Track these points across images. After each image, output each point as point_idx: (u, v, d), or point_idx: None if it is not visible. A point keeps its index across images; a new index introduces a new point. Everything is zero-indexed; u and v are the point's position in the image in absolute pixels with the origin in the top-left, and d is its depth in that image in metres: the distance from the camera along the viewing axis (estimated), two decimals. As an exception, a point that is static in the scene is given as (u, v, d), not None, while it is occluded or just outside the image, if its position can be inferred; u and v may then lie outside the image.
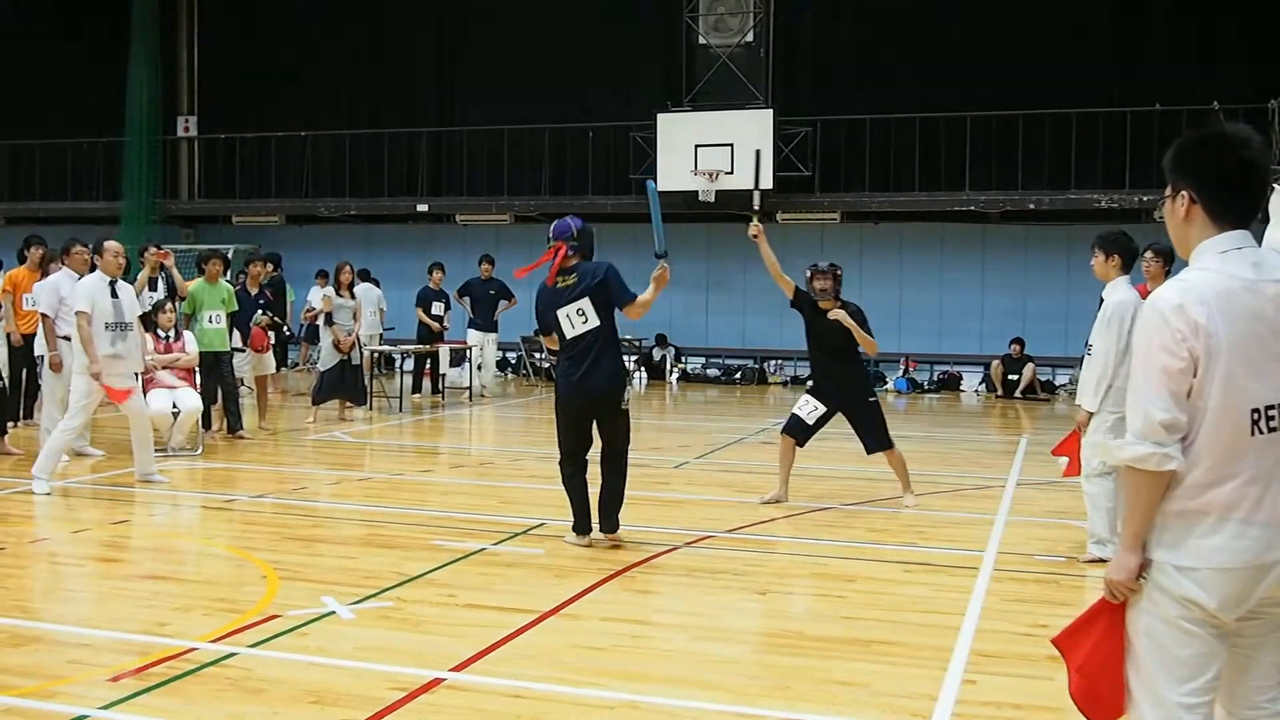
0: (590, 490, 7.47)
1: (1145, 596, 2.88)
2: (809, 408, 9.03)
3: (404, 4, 23.55)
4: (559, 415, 7.41)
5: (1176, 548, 2.82)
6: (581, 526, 7.45)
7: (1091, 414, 6.94)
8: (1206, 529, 2.79)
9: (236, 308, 12.47)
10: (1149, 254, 7.81)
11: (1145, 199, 18.54)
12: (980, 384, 20.38)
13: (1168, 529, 2.84)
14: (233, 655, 5.09)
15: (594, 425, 7.37)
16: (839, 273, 9.01)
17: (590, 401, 7.23)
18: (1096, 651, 3.02)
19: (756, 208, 8.97)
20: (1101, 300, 7.14)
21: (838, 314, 8.72)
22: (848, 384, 9.01)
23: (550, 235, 7.35)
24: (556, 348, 7.47)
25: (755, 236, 8.73)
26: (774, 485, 9.23)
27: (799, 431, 9.05)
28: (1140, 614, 2.90)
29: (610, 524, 7.43)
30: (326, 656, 5.09)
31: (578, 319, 7.16)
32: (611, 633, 5.55)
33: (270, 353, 13.32)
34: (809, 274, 9.03)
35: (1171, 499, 2.82)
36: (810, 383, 9.45)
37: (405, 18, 23.54)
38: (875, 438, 8.99)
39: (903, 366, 20.84)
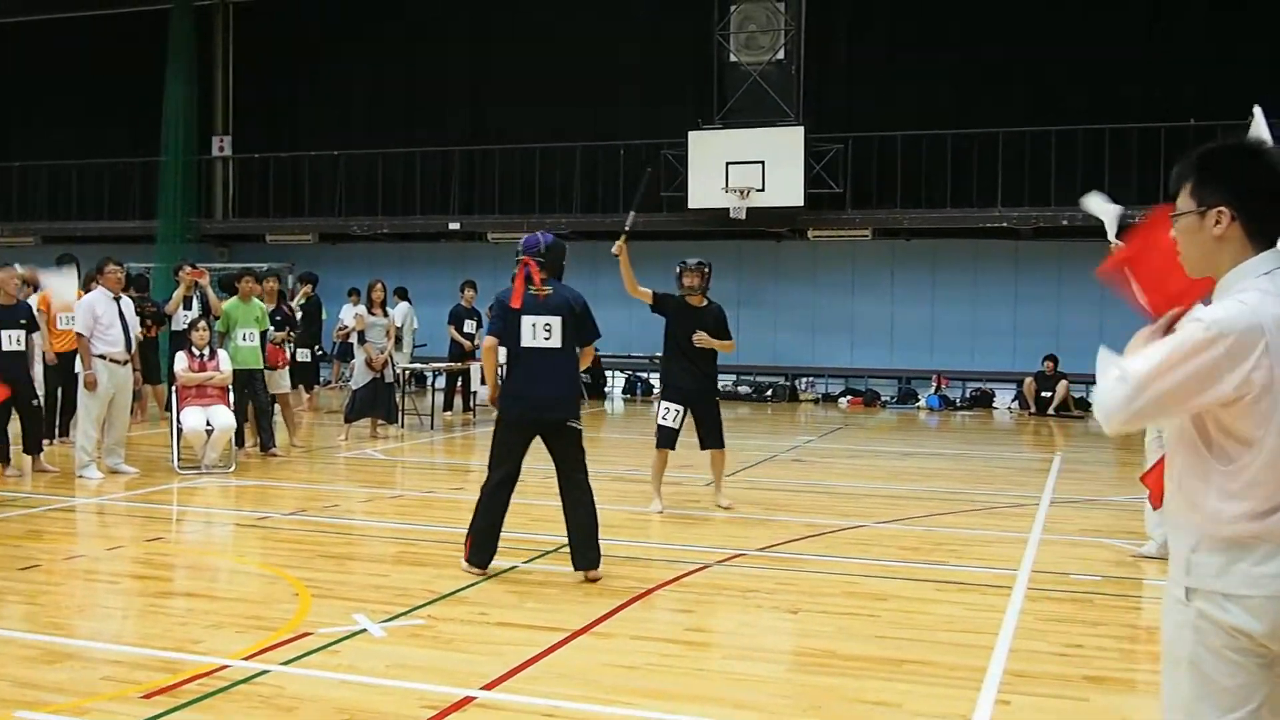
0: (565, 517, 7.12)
1: (1189, 626, 2.79)
2: (671, 414, 9.15)
3: (437, 24, 23.70)
4: (499, 433, 7.08)
5: (1226, 575, 2.72)
6: (481, 558, 7.01)
7: None
8: (1261, 556, 2.69)
9: (270, 326, 12.55)
10: None
11: (1180, 215, 18.40)
12: (1013, 401, 20.26)
13: (1217, 555, 2.72)
14: (265, 673, 5.10)
15: (541, 447, 7.07)
16: (707, 270, 9.22)
17: (539, 420, 6.96)
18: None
19: (628, 229, 8.93)
20: None
21: (701, 339, 9.05)
22: (705, 381, 9.26)
23: (519, 250, 7.18)
24: (488, 359, 7.28)
25: (616, 253, 8.88)
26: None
27: (672, 440, 9.22)
28: (1184, 644, 2.81)
29: (587, 558, 6.94)
30: (358, 674, 5.09)
31: (543, 332, 6.97)
32: (643, 651, 5.53)
33: (285, 370, 13.25)
34: (678, 270, 9.22)
35: (1222, 525, 2.72)
36: (662, 387, 9.68)
37: (438, 38, 23.69)
38: (715, 435, 9.27)
39: (935, 383, 20.75)
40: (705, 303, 9.27)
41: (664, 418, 9.15)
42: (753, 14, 20.57)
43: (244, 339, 12.06)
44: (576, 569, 6.93)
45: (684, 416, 9.17)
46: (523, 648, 5.51)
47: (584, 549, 6.95)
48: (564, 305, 7.02)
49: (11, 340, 10.67)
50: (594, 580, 6.87)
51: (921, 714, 4.71)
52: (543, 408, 6.95)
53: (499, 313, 7.08)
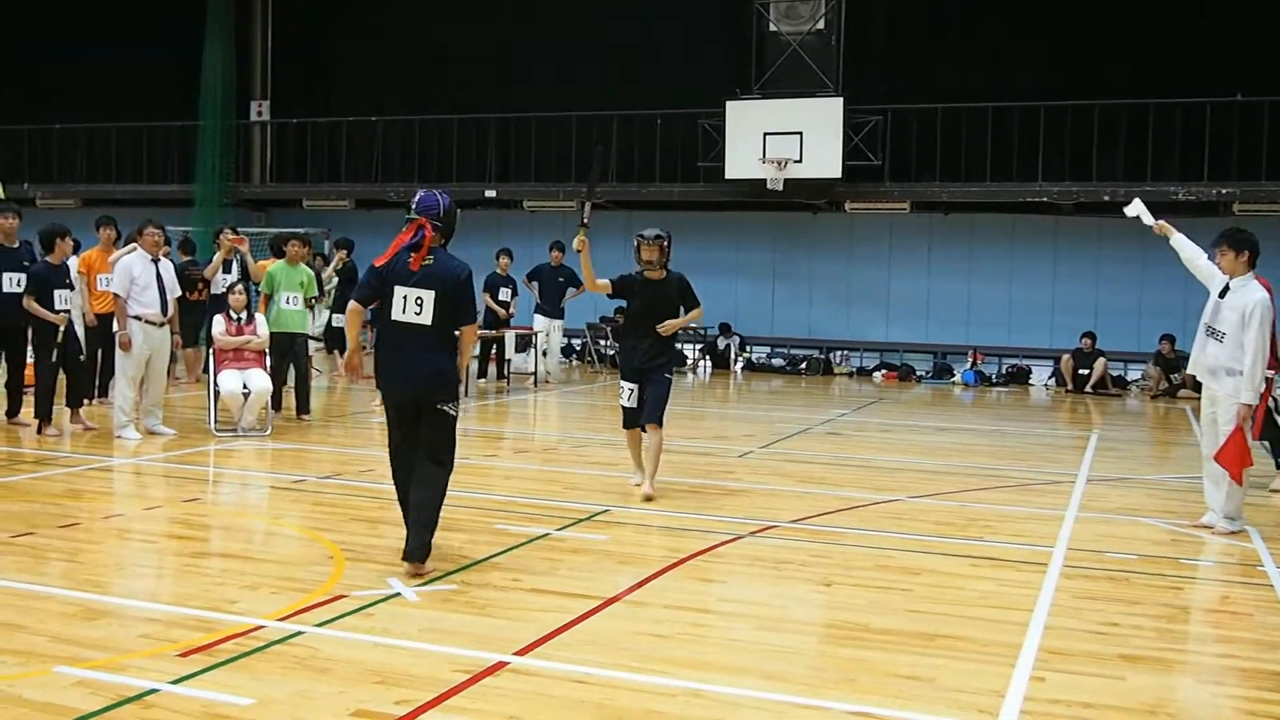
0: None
1: None
2: (627, 393, 8.71)
3: (474, -10, 23.64)
4: (385, 408, 6.60)
5: None
6: (410, 550, 6.29)
7: (1251, 406, 7.65)
8: None
9: (316, 292, 12.58)
10: (1223, 245, 7.92)
11: (1224, 191, 18.17)
12: (1050, 378, 20.10)
13: None
14: (300, 634, 5.13)
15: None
16: (665, 242, 8.63)
17: (411, 396, 6.31)
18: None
19: (585, 221, 8.65)
20: (1224, 292, 7.86)
21: (667, 326, 8.57)
22: (660, 357, 8.67)
23: (412, 208, 6.43)
24: (350, 323, 6.59)
25: (578, 249, 8.56)
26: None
27: (634, 419, 8.74)
28: None
29: (415, 547, 6.19)
30: (391, 637, 5.12)
31: (413, 306, 6.25)
32: (675, 620, 5.53)
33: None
34: (635, 243, 8.68)
35: None
36: (620, 367, 9.09)
37: (476, 5, 23.61)
38: (654, 410, 8.60)
39: (971, 359, 20.61)
40: (664, 275, 8.70)
41: (622, 397, 8.76)
42: (793, -17, 20.38)
43: (287, 302, 12.13)
44: (404, 558, 6.23)
45: (641, 394, 8.68)
46: (555, 614, 5.52)
47: (412, 535, 6.23)
48: (443, 279, 6.28)
49: (12, 283, 10.88)
50: (417, 576, 6.12)
51: (955, 689, 4.69)
52: (408, 386, 6.32)
53: (371, 276, 6.41)
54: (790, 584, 6.38)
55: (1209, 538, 7.83)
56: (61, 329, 10.97)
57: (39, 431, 10.89)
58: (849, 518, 8.21)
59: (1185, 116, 18.63)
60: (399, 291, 6.28)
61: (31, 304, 10.84)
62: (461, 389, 6.62)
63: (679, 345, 8.61)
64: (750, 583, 6.41)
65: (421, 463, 6.33)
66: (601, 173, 8.70)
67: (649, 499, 8.49)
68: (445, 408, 6.30)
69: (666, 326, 8.57)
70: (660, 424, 8.64)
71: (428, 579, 6.08)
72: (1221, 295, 7.90)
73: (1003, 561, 6.98)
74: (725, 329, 21.77)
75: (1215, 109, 18.30)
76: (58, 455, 9.98)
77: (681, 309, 8.73)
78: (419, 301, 6.25)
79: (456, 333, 6.47)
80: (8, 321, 10.89)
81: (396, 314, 6.29)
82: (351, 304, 6.52)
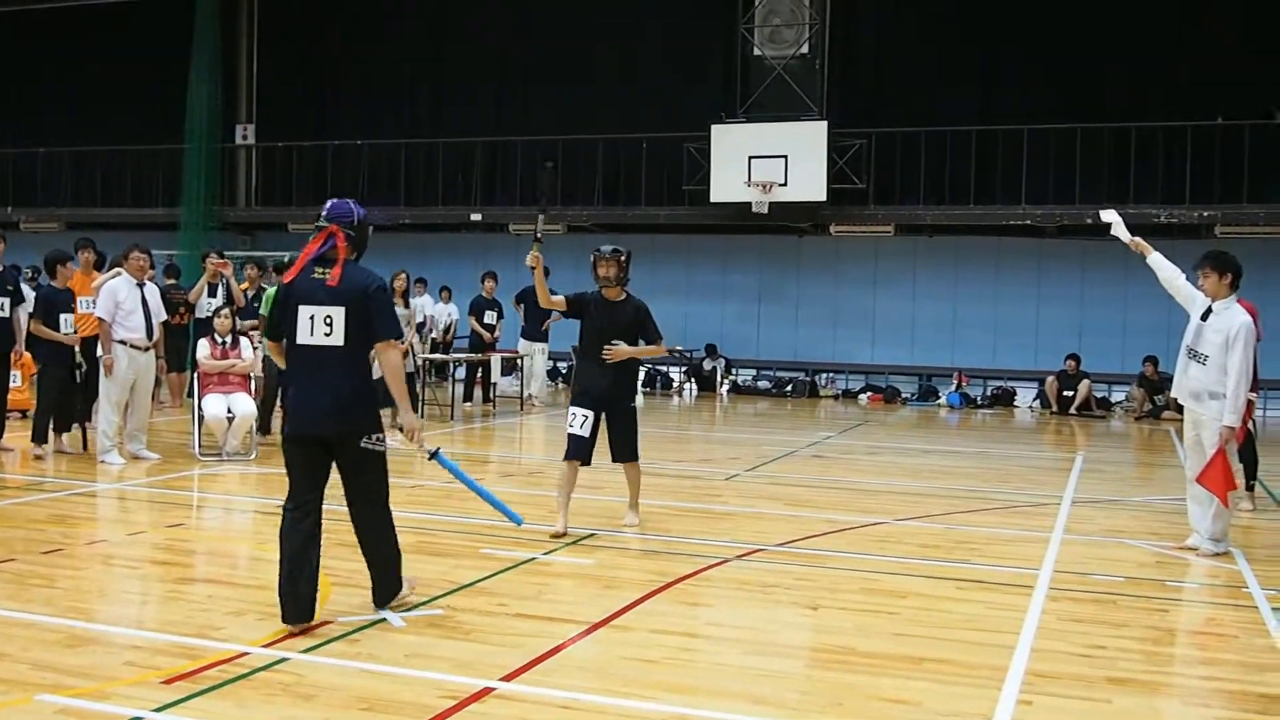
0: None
1: None
2: (580, 420, 8.04)
3: (461, 15, 23.73)
4: (286, 451, 5.79)
5: None
6: (290, 610, 5.53)
7: (1233, 428, 7.68)
8: None
9: None
10: (1206, 267, 7.95)
11: (1206, 214, 18.30)
12: (1034, 400, 20.17)
13: None
14: (285, 660, 5.11)
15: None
16: (624, 258, 8.08)
17: (330, 434, 5.62)
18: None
19: (538, 237, 8.35)
20: (1207, 314, 7.89)
21: (614, 353, 7.97)
22: (620, 385, 8.11)
23: (323, 216, 5.77)
24: (276, 360, 5.95)
25: (532, 267, 8.02)
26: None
27: (584, 451, 8.06)
28: None
29: (384, 591, 5.83)
30: (378, 663, 5.09)
31: (322, 326, 5.55)
32: (662, 645, 5.52)
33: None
34: (592, 259, 8.11)
35: None
36: (572, 391, 8.42)
37: (462, 29, 23.71)
38: (627, 447, 8.18)
39: (956, 381, 20.67)
40: (623, 296, 8.14)
41: (573, 425, 8.04)
42: (777, 7, 20.52)
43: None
44: (376, 605, 5.84)
45: (596, 424, 8.08)
46: (542, 639, 5.50)
47: (376, 580, 5.87)
48: (353, 292, 5.57)
49: (3, 307, 11.00)
50: (399, 608, 5.86)
51: (942, 713, 4.69)
52: (314, 420, 5.59)
53: (277, 307, 5.77)
54: (777, 608, 6.37)
55: (1194, 560, 7.85)
56: (75, 349, 11.05)
57: (44, 442, 11.04)
58: (835, 540, 8.21)
59: (1168, 140, 18.78)
60: (305, 312, 5.59)
61: (40, 327, 11.02)
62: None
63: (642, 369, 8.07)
64: (737, 606, 6.40)
65: (358, 509, 5.77)
66: (551, 188, 8.16)
67: (633, 525, 8.33)
68: (370, 445, 5.66)
69: (614, 352, 7.97)
70: (636, 459, 8.28)
71: (413, 605, 6.05)
72: (1204, 318, 7.92)
73: (989, 584, 6.99)
74: (711, 350, 21.80)
75: (1197, 132, 18.44)
76: (41, 480, 9.93)
77: (640, 340, 8.12)
78: (328, 321, 5.56)
79: (373, 355, 5.76)
80: None
81: (303, 337, 5.60)
82: (268, 342, 5.90)
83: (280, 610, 5.53)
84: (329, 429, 5.57)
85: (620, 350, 7.99)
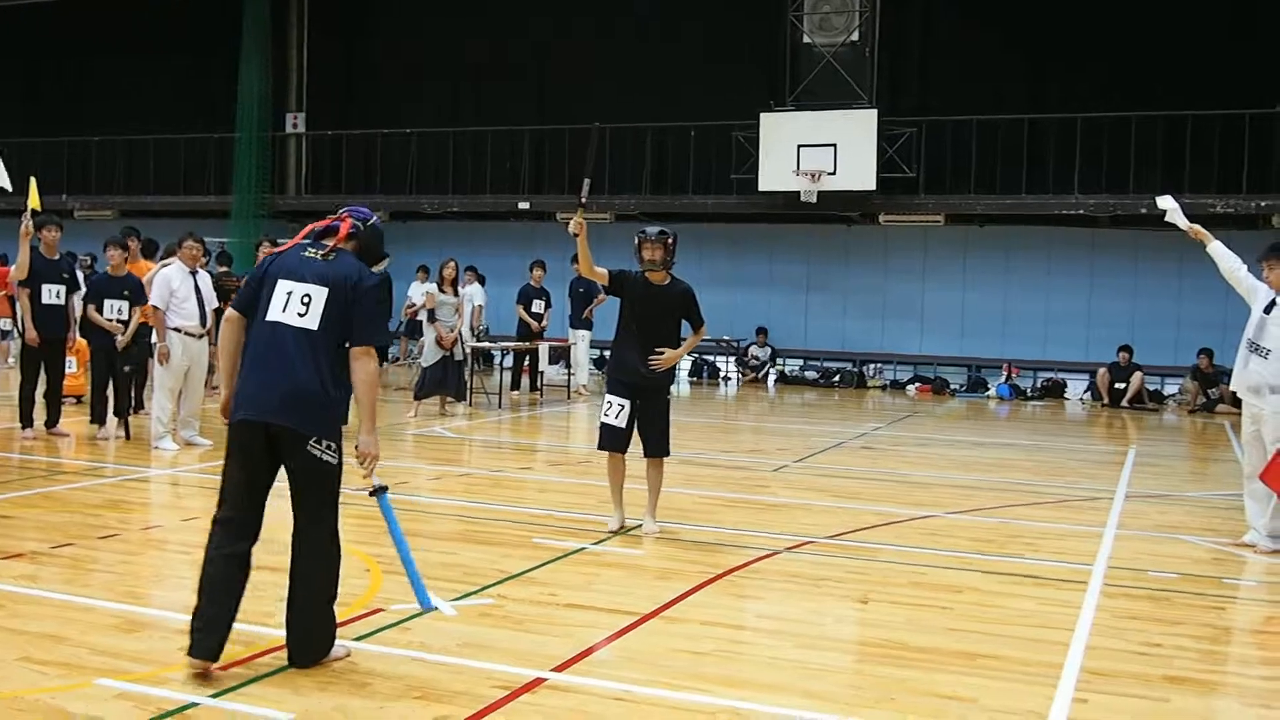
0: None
1: None
2: (615, 410, 7.72)
3: (509, 3, 23.72)
4: (230, 440, 4.99)
5: None
6: (199, 643, 4.68)
7: None
8: None
9: None
10: (1272, 259, 7.80)
11: (1263, 204, 18.00)
12: (1085, 392, 19.96)
13: None
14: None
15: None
16: (670, 241, 7.70)
17: (263, 427, 4.82)
18: None
19: (583, 201, 7.58)
20: (1270, 307, 7.75)
21: (661, 360, 7.63)
22: (658, 374, 7.72)
23: (345, 212, 5.18)
24: (225, 339, 5.09)
25: (575, 232, 7.57)
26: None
27: (620, 441, 7.78)
28: None
29: (304, 654, 4.86)
30: (429, 652, 5.11)
31: (297, 305, 4.83)
32: (712, 637, 5.51)
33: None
34: (637, 242, 7.74)
35: None
36: (608, 379, 8.01)
37: (508, 17, 23.70)
38: (659, 441, 7.83)
39: (1006, 372, 20.48)
40: (668, 280, 7.77)
41: (608, 414, 7.74)
42: (828, -5, 20.37)
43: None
44: (293, 664, 4.86)
45: (633, 413, 7.75)
46: (593, 630, 5.51)
47: (303, 641, 4.89)
48: (341, 278, 4.89)
49: (51, 294, 11.24)
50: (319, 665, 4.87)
51: (997, 709, 4.64)
52: (266, 407, 4.79)
53: (254, 273, 5.09)
54: (827, 600, 6.34)
55: (1251, 557, 7.73)
56: (117, 337, 11.30)
57: (102, 424, 11.50)
58: (885, 533, 8.15)
59: (1223, 128, 18.47)
60: (283, 286, 4.88)
61: (93, 314, 11.36)
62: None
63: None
64: (787, 599, 6.38)
65: (299, 529, 5.00)
66: (597, 151, 7.50)
67: (653, 533, 7.81)
68: (316, 450, 4.83)
69: (661, 360, 7.64)
70: (668, 455, 7.94)
71: (464, 594, 6.07)
72: (1267, 310, 7.80)
73: (1042, 579, 6.92)
74: (761, 333, 21.72)
75: (1254, 120, 18.14)
76: (96, 466, 10.06)
77: (685, 324, 7.86)
78: (305, 300, 4.84)
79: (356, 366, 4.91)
80: (49, 333, 11.05)
81: (275, 313, 4.85)
82: (228, 312, 5.08)
83: (190, 641, 4.71)
84: (280, 420, 4.77)
85: (667, 358, 7.66)
